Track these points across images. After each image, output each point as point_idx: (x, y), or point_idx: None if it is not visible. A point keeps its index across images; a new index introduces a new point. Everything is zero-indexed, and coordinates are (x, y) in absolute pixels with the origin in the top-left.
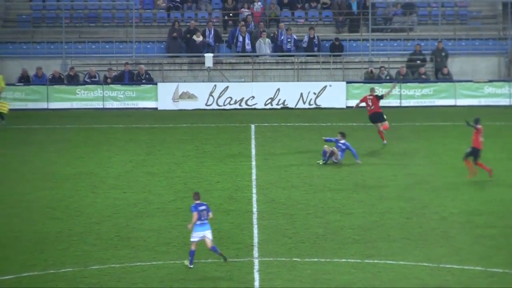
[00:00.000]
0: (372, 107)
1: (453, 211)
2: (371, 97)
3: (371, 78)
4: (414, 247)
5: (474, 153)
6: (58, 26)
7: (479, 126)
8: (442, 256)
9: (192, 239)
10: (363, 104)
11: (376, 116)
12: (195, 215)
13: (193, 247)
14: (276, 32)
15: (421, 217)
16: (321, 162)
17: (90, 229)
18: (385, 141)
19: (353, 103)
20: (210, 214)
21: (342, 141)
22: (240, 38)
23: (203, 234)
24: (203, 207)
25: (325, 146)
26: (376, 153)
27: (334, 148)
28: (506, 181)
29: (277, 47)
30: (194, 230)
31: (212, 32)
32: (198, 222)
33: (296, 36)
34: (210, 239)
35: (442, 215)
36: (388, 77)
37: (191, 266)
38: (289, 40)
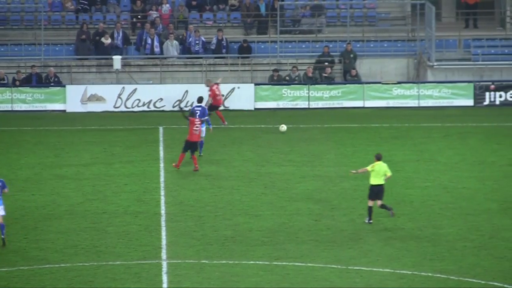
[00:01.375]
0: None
1: (362, 213)
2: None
3: (277, 80)
4: (323, 249)
5: (189, 147)
6: None
7: (192, 118)
8: (351, 258)
9: None
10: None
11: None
12: None
13: None
14: (185, 34)
15: (330, 219)
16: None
17: None
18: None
19: (261, 105)
20: (6, 190)
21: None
22: (149, 41)
23: None
24: None
25: None
26: (284, 154)
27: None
28: (415, 183)
29: (186, 49)
30: None
31: (121, 34)
32: None
33: (205, 38)
34: (2, 215)
35: (351, 217)
36: (297, 78)
37: None
38: (197, 42)
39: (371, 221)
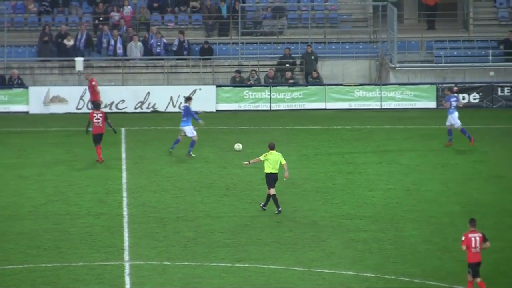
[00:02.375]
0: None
1: (324, 215)
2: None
3: (239, 82)
4: (285, 251)
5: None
6: None
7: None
8: (313, 260)
9: None
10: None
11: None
12: None
13: None
14: (147, 36)
15: (292, 221)
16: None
17: None
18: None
19: (222, 106)
20: None
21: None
22: (112, 42)
23: None
24: None
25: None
26: (246, 156)
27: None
28: (378, 185)
29: (147, 50)
30: None
31: (84, 36)
32: None
33: (166, 39)
34: None
35: (313, 219)
36: (257, 81)
37: None
38: (158, 43)
39: (265, 208)
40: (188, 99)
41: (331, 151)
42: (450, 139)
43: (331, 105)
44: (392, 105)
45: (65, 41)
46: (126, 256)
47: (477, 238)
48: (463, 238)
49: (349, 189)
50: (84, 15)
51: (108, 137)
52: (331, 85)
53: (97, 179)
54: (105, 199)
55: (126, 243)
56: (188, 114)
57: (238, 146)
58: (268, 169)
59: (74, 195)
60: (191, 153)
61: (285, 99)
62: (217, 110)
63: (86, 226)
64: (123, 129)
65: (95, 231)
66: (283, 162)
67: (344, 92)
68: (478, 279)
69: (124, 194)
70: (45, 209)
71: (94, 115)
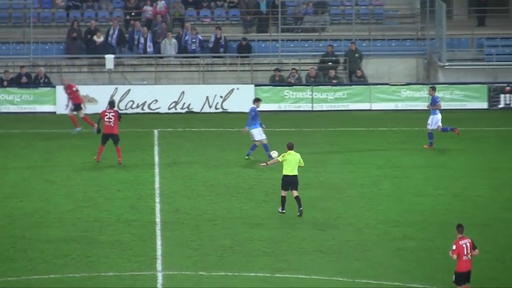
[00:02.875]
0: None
1: (369, 222)
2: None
3: (279, 81)
4: (328, 260)
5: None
6: None
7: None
8: (358, 271)
9: None
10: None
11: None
12: None
13: None
14: (181, 32)
15: (335, 228)
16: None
17: None
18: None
19: (261, 107)
20: None
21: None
22: (142, 40)
23: None
24: None
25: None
26: None
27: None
28: (426, 191)
29: (182, 48)
30: None
31: (117, 32)
32: None
33: (202, 36)
34: None
35: (357, 226)
36: (298, 80)
37: None
38: (194, 40)
39: (284, 211)
40: (256, 100)
41: (377, 154)
42: (431, 142)
43: (376, 106)
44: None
45: (95, 38)
46: (159, 266)
47: (468, 244)
48: (454, 246)
49: (395, 195)
50: (115, 10)
51: (140, 139)
52: (376, 84)
53: (128, 184)
54: (137, 205)
55: (158, 252)
56: (256, 116)
57: (274, 153)
58: (286, 171)
59: (104, 200)
60: (250, 155)
61: (328, 99)
62: None
63: (117, 233)
64: (156, 131)
65: (126, 239)
66: (302, 164)
67: (390, 92)
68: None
69: (157, 199)
70: (73, 216)
71: (106, 113)
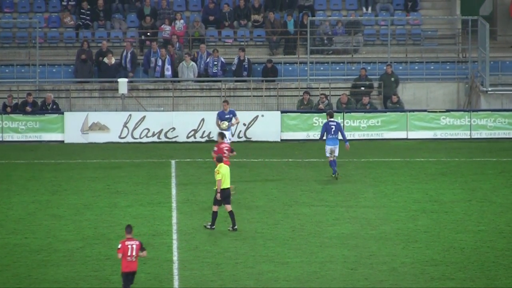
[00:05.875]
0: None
1: (404, 261)
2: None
3: (308, 105)
4: None
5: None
6: None
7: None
8: None
9: None
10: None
11: None
12: None
13: None
14: (196, 55)
15: (368, 267)
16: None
17: None
18: None
19: (288, 135)
20: None
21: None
22: (159, 62)
23: None
24: None
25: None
26: (316, 193)
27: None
28: (467, 227)
29: (200, 71)
30: None
31: (130, 55)
32: None
33: (224, 58)
34: None
35: (392, 265)
36: (328, 106)
37: None
38: (215, 63)
39: (213, 227)
40: (329, 114)
41: (413, 187)
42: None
43: (413, 134)
44: (484, 134)
45: (106, 60)
46: None
47: (134, 246)
48: (120, 245)
49: (433, 231)
50: (129, 30)
51: (156, 170)
52: (413, 111)
53: (143, 219)
54: (152, 242)
55: None
56: (338, 130)
57: (223, 124)
58: (224, 184)
59: (116, 237)
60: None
61: (361, 127)
62: (282, 140)
63: None
64: (173, 161)
65: (140, 279)
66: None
67: (429, 119)
68: None
69: (174, 236)
70: (82, 254)
71: (222, 146)
